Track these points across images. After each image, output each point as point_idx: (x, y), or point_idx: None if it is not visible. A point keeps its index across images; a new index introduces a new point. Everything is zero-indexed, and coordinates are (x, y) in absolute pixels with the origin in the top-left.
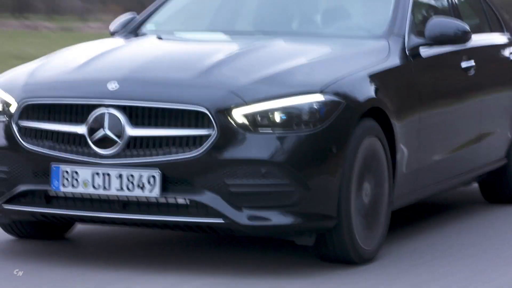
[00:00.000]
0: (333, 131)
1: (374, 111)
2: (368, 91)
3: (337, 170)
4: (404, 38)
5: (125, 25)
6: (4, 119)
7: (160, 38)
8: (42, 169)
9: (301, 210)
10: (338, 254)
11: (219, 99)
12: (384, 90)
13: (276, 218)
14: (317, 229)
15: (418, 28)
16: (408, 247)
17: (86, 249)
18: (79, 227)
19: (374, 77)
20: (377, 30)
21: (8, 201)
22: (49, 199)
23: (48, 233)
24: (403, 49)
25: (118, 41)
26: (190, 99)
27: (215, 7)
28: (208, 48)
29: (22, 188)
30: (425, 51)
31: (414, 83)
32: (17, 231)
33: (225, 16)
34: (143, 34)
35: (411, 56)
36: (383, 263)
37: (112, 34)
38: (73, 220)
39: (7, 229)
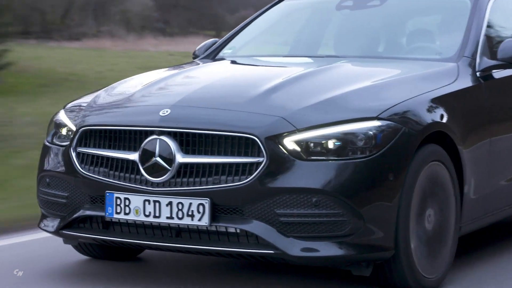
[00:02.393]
0: (391, 158)
1: (438, 136)
2: (431, 115)
3: (394, 198)
4: (475, 60)
5: (206, 49)
6: (65, 145)
7: (233, 62)
8: (99, 195)
9: (354, 241)
10: (396, 283)
11: (270, 126)
12: (450, 113)
13: (328, 249)
14: (373, 260)
15: (492, 49)
16: (473, 275)
17: (157, 271)
18: None
19: (439, 100)
20: (448, 53)
21: (67, 226)
22: (106, 225)
23: (120, 254)
24: (474, 71)
25: (183, 66)
26: (240, 126)
27: (297, 31)
28: (269, 72)
29: (80, 213)
30: (497, 73)
31: (484, 105)
32: (88, 252)
33: (305, 41)
34: (220, 59)
35: (482, 78)
36: None
37: (194, 57)
38: (129, 246)
39: (79, 250)
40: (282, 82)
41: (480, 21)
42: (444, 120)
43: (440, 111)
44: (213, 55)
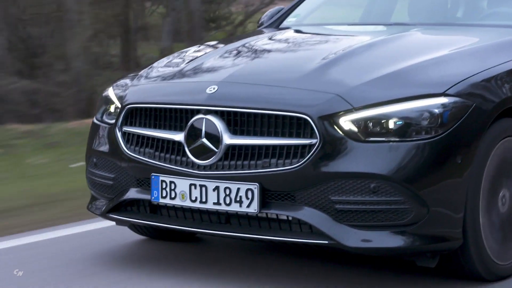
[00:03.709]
0: (459, 138)
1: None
2: (506, 88)
3: (462, 182)
4: None
5: (271, 17)
6: (111, 124)
7: (296, 31)
8: (145, 177)
9: (418, 230)
10: (466, 273)
11: (324, 104)
12: None
13: (389, 240)
14: (439, 251)
15: None
16: None
17: (211, 250)
18: None
19: None
20: None
21: (114, 209)
22: (154, 209)
23: (175, 235)
24: None
25: (243, 36)
26: (291, 105)
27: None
28: (330, 43)
29: (126, 196)
30: None
31: None
32: (144, 232)
33: (378, 8)
34: (284, 27)
35: None
36: None
37: (259, 26)
38: (175, 231)
39: (133, 230)
40: (341, 54)
41: None
42: None
43: None
44: (277, 23)
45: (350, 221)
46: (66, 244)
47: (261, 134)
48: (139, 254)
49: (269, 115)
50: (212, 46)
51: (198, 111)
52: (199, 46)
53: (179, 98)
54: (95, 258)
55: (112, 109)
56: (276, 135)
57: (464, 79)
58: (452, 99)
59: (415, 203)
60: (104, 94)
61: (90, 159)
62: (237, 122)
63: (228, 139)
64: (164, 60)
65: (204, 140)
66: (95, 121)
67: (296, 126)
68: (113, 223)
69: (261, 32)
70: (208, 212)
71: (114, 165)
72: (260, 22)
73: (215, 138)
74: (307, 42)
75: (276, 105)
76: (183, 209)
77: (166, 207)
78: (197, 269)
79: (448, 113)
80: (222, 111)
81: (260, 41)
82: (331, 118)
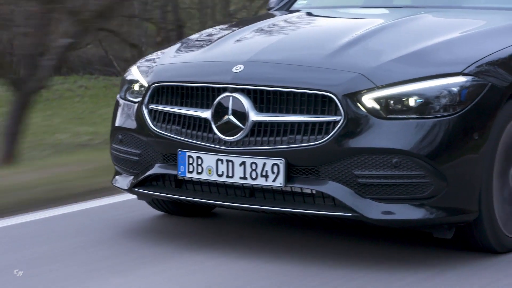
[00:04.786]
0: (476, 116)
1: None
2: None
3: (478, 158)
4: None
5: (281, 0)
6: (137, 101)
7: (309, 14)
8: (171, 153)
9: (437, 203)
10: (478, 244)
11: (347, 83)
12: None
13: (409, 212)
14: (456, 223)
15: None
16: None
17: (228, 225)
18: None
19: None
20: None
21: (140, 184)
22: (179, 183)
23: (195, 210)
24: None
25: (258, 18)
26: (316, 83)
27: None
28: (346, 25)
29: (152, 171)
30: None
31: None
32: (162, 208)
33: None
34: (295, 10)
35: None
36: None
37: (268, 9)
38: (203, 204)
39: (154, 206)
40: (360, 35)
41: None
42: None
43: None
44: (288, 5)
45: (372, 194)
46: (87, 218)
47: (286, 112)
48: (158, 229)
49: (294, 93)
50: (232, 26)
51: (224, 89)
52: (220, 27)
53: (206, 77)
54: (114, 232)
55: (136, 87)
56: (300, 112)
57: (480, 59)
58: (470, 78)
59: (435, 177)
60: (128, 73)
61: (116, 136)
62: (263, 99)
63: (254, 116)
64: (188, 40)
65: (231, 117)
66: (119, 99)
67: (321, 104)
68: (132, 197)
69: (274, 15)
70: (233, 186)
71: (140, 141)
72: (269, 5)
73: (242, 115)
74: (324, 23)
75: (302, 83)
76: (208, 183)
77: (191, 181)
78: (215, 243)
79: (465, 92)
80: (249, 89)
81: (278, 22)
82: (355, 96)
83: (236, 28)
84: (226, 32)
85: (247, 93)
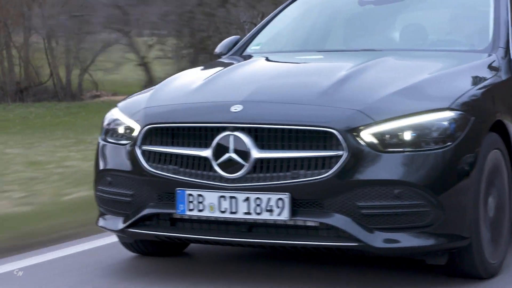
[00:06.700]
0: (464, 148)
1: (495, 125)
2: (490, 104)
3: (468, 187)
4: (509, 51)
5: (230, 46)
6: (126, 143)
7: (267, 59)
8: (167, 193)
9: (435, 230)
10: (466, 270)
11: (347, 119)
12: (502, 103)
13: (411, 240)
14: (451, 249)
15: None
16: None
17: (201, 264)
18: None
19: (492, 91)
20: (481, 45)
21: (133, 225)
22: (174, 222)
23: (168, 250)
24: (510, 61)
25: (227, 62)
26: (318, 120)
27: (306, 29)
28: (325, 66)
29: (146, 211)
30: None
31: None
32: (139, 249)
33: (317, 37)
34: (249, 56)
35: None
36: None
37: (218, 56)
38: (199, 242)
39: (128, 247)
40: (347, 74)
41: (505, 10)
42: (500, 109)
43: (498, 100)
44: (240, 52)
45: (375, 224)
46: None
47: (289, 148)
48: (136, 269)
49: (296, 130)
50: (208, 68)
51: (224, 129)
52: (196, 69)
53: (203, 117)
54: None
55: (121, 130)
56: (302, 148)
57: (461, 95)
58: (457, 113)
59: (433, 206)
60: (109, 115)
61: (103, 178)
62: (264, 137)
63: (256, 153)
64: (171, 81)
65: (233, 155)
66: (102, 141)
67: (323, 140)
68: (106, 241)
69: (234, 59)
70: (234, 223)
71: (133, 182)
72: (218, 51)
73: (243, 153)
74: (301, 65)
75: (303, 120)
76: (208, 221)
77: (188, 219)
78: (188, 280)
79: (454, 126)
80: (249, 128)
81: (255, 65)
82: (355, 132)
83: (215, 70)
84: (207, 73)
85: (247, 131)
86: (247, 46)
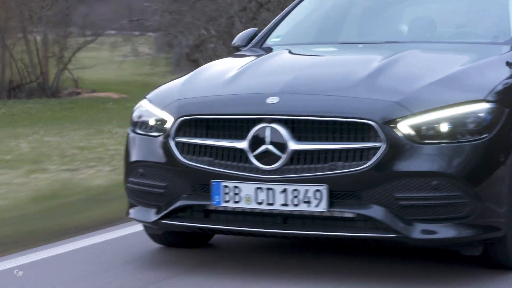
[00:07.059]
0: (500, 139)
1: None
2: None
3: (505, 177)
4: None
5: (248, 39)
6: (158, 135)
7: (293, 51)
8: (201, 184)
9: (472, 221)
10: (500, 261)
11: (385, 110)
12: None
13: (448, 231)
14: (487, 240)
15: None
16: None
17: (227, 255)
18: None
19: None
20: (503, 37)
21: (165, 216)
22: (208, 214)
23: (193, 241)
24: None
25: (253, 55)
26: (355, 112)
27: (326, 21)
28: (353, 58)
29: (180, 203)
30: None
31: None
32: (165, 241)
33: (339, 29)
34: (269, 48)
35: None
36: None
37: (236, 48)
38: (232, 233)
39: (155, 238)
40: (380, 66)
41: None
42: None
43: None
44: (259, 44)
45: (413, 215)
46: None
47: (326, 139)
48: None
49: (334, 122)
50: (237, 57)
51: (260, 121)
52: (223, 60)
53: (239, 109)
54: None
55: (152, 121)
56: (339, 139)
57: (495, 86)
58: (492, 104)
59: (471, 198)
60: (138, 107)
61: (135, 170)
62: (301, 129)
63: (293, 145)
64: (202, 71)
65: (270, 147)
66: (132, 133)
67: (361, 131)
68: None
69: (253, 51)
70: (270, 214)
71: (166, 174)
72: (235, 44)
73: (280, 145)
74: (331, 57)
75: (340, 112)
76: (243, 212)
77: (224, 211)
78: (213, 270)
79: (490, 117)
80: (286, 120)
81: (282, 56)
82: (393, 123)
83: (244, 61)
84: (236, 65)
85: (284, 123)
86: (266, 38)
